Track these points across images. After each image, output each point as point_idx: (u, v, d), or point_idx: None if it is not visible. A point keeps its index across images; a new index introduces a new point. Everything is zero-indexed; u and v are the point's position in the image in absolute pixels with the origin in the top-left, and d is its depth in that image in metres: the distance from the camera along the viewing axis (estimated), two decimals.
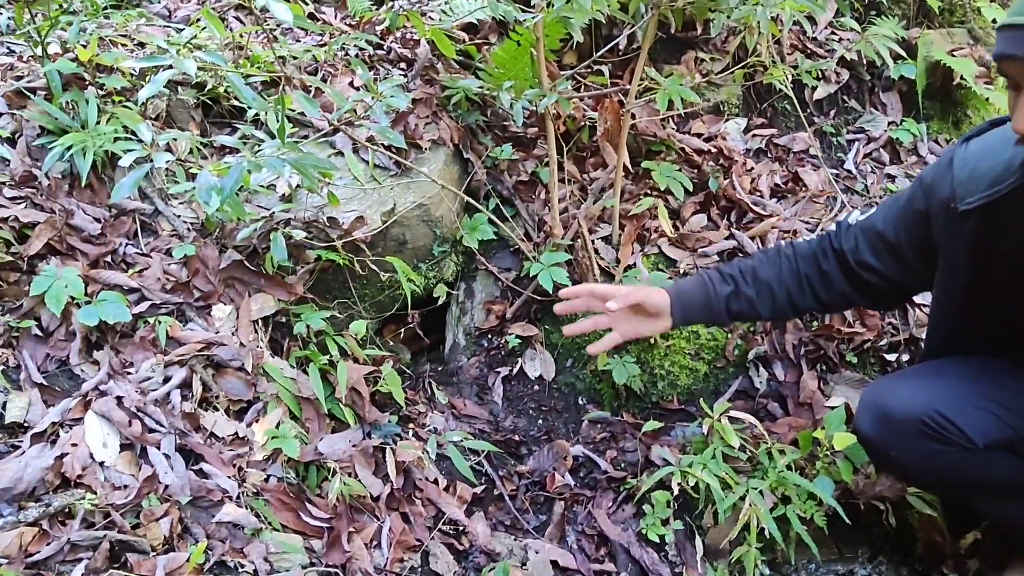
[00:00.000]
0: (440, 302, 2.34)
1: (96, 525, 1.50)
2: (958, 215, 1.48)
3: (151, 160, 1.75)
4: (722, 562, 1.90)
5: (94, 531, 1.47)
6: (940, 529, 1.94)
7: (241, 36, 2.46)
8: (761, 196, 2.64)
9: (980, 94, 2.81)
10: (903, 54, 2.88)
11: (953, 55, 2.81)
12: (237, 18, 2.76)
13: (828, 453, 1.93)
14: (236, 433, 1.79)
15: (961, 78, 2.78)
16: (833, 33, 2.98)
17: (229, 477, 1.68)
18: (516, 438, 2.20)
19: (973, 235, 1.49)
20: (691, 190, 2.52)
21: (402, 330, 2.31)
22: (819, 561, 1.97)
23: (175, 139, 2.10)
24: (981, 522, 1.90)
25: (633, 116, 2.51)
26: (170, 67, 1.56)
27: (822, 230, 1.71)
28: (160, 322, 1.85)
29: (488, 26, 2.74)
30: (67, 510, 1.49)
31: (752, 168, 2.73)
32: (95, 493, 1.53)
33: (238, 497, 1.65)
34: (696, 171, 2.61)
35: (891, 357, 2.25)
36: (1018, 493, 1.62)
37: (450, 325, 2.44)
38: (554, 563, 1.84)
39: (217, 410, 1.81)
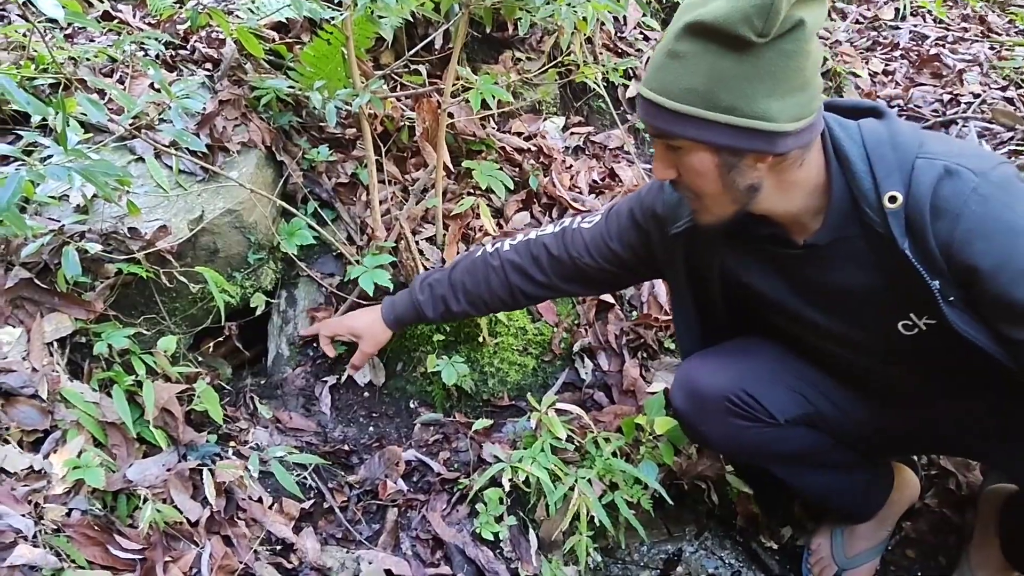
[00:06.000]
0: (259, 312, 2.23)
1: None
2: (670, 237, 1.57)
3: None
4: (556, 553, 1.93)
5: None
6: (756, 502, 2.05)
7: (24, 35, 2.26)
8: (580, 192, 2.70)
9: None
10: None
11: None
12: (22, 16, 2.53)
13: (651, 437, 2.00)
14: (31, 466, 1.63)
15: None
16: (641, 33, 3.09)
17: (23, 515, 1.53)
18: (346, 448, 2.13)
19: (685, 255, 1.60)
20: (513, 188, 2.54)
21: (213, 344, 2.18)
22: (648, 543, 2.04)
23: None
24: (790, 495, 2.03)
25: (451, 116, 2.50)
26: None
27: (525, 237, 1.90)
28: None
29: (299, 25, 2.65)
30: None
31: (571, 165, 2.79)
32: None
33: (34, 536, 1.51)
34: (517, 169, 2.64)
35: None
36: (809, 460, 1.74)
37: (272, 335, 2.34)
38: (388, 572, 1.80)
39: (8, 443, 1.64)
